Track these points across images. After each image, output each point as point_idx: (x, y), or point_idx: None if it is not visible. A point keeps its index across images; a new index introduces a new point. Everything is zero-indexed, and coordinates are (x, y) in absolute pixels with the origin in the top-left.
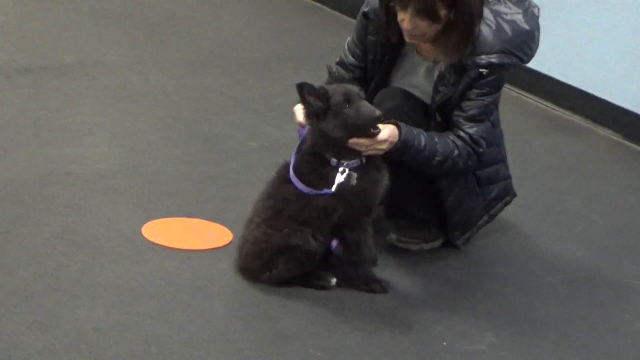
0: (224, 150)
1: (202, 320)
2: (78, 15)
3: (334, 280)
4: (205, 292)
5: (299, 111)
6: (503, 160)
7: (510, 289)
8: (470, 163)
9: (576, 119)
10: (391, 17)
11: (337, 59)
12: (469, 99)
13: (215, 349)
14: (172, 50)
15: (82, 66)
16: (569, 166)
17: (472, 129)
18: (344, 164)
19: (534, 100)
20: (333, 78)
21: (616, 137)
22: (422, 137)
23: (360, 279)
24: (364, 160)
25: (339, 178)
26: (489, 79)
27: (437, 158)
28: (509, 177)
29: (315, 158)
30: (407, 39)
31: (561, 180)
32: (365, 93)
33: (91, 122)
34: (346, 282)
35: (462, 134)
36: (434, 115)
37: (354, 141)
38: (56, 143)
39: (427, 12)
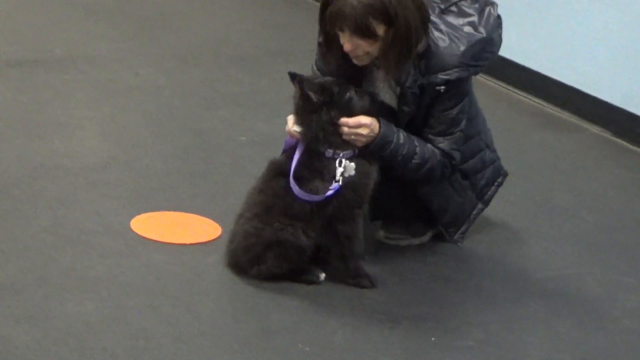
0: (214, 145)
1: (191, 314)
2: (69, 8)
3: (322, 276)
4: (194, 287)
5: (291, 120)
6: (487, 146)
7: (499, 285)
8: (446, 173)
9: (566, 115)
10: (330, 42)
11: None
12: (433, 116)
13: (204, 343)
14: (163, 45)
15: (72, 60)
16: (558, 163)
17: (443, 144)
18: (340, 154)
19: (524, 97)
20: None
21: (606, 134)
22: (401, 135)
23: (349, 273)
24: (356, 151)
25: (339, 170)
26: (449, 94)
27: (414, 160)
28: (496, 159)
29: (309, 154)
30: (354, 60)
31: (551, 177)
32: None
33: (81, 116)
34: (335, 276)
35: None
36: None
37: (343, 120)
38: (46, 137)
39: (363, 31)
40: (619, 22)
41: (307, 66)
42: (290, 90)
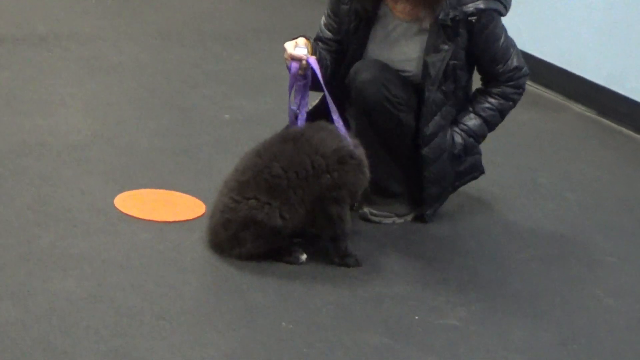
0: (197, 123)
1: (174, 292)
2: None
3: (303, 257)
4: (177, 265)
5: (290, 45)
6: None
7: (482, 265)
8: (518, 97)
9: (551, 95)
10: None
11: (315, 36)
12: (488, 55)
13: (187, 321)
14: (147, 22)
15: (55, 37)
16: (542, 142)
17: (510, 62)
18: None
19: None
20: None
21: (590, 114)
22: (470, 142)
23: (339, 253)
24: None
25: None
26: (486, 31)
27: (490, 131)
28: (480, 153)
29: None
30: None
31: (534, 156)
32: (341, 65)
33: (64, 93)
34: (318, 256)
35: (500, 83)
36: (429, 83)
37: None
38: (29, 114)
39: None
40: (602, 1)
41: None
42: (273, 68)
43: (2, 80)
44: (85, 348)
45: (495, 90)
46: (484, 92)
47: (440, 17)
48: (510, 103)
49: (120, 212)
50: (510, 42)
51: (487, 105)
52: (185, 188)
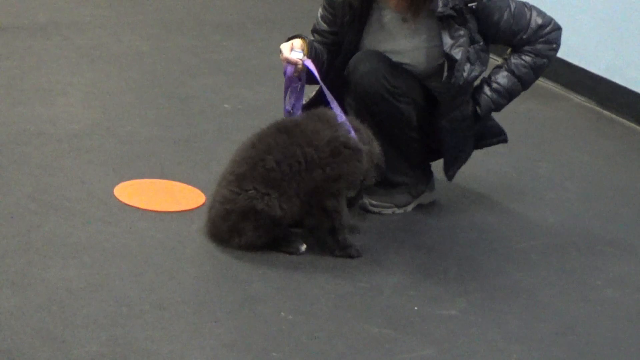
0: (197, 112)
1: (174, 282)
2: None
3: (303, 247)
4: (177, 254)
5: (286, 48)
6: None
7: (482, 255)
8: (552, 53)
9: (550, 85)
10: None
11: (312, 27)
12: (504, 29)
13: (186, 310)
14: (147, 11)
15: (56, 26)
16: (542, 133)
17: (532, 24)
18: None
19: None
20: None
21: (590, 104)
22: (500, 101)
23: (338, 246)
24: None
25: None
26: (491, 11)
27: (522, 89)
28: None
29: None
30: None
31: (534, 146)
32: (337, 57)
33: (64, 82)
34: (317, 246)
35: (530, 44)
36: (456, 70)
37: None
38: (29, 103)
39: None
40: None
41: (289, 34)
42: (273, 57)
43: (2, 69)
44: (84, 337)
45: (528, 47)
46: (518, 51)
47: (439, 9)
48: (545, 60)
49: (120, 201)
50: (523, 6)
51: (521, 62)
52: (185, 178)
